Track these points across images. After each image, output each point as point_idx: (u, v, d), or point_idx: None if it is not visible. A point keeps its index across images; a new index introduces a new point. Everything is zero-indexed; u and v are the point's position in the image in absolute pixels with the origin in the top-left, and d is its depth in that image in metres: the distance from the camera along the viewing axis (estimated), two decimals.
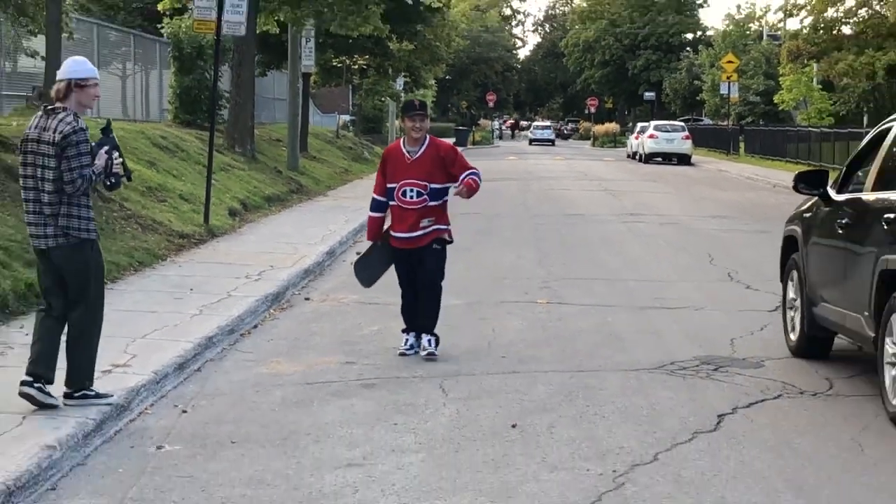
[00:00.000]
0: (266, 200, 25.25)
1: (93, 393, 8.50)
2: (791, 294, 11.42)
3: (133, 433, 8.29)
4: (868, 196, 9.87)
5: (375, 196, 11.01)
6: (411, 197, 10.60)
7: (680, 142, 56.97)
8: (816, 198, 11.00)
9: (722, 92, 67.24)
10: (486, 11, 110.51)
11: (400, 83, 57.51)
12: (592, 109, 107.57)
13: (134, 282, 14.26)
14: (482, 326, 12.41)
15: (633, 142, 63.88)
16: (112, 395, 8.63)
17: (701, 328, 12.42)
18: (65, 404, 8.38)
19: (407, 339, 10.92)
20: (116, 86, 33.95)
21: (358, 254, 10.81)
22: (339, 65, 48.31)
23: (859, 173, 10.86)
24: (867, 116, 51.30)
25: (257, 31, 31.08)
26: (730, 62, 64.50)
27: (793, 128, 58.18)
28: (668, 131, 58.17)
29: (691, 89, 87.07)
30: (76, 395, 8.46)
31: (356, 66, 49.84)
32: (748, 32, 79.41)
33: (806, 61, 42.97)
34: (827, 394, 9.54)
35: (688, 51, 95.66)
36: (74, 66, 8.64)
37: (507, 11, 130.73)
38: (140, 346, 10.47)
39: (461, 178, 10.72)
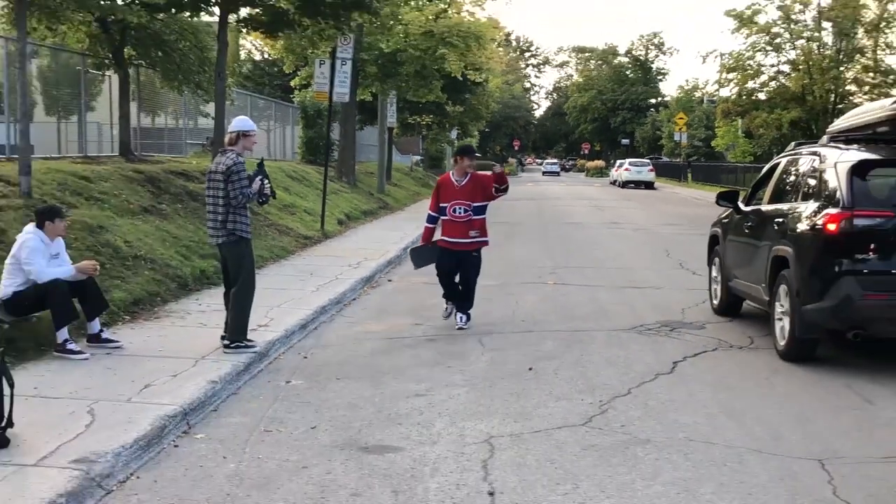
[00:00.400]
0: (363, 213, 25.19)
1: (244, 344, 8.46)
2: (714, 274, 11.58)
3: (270, 372, 8.23)
4: (765, 207, 10.00)
5: (430, 212, 10.56)
6: (459, 213, 10.20)
7: (646, 173, 56.21)
8: (731, 209, 11.14)
9: (676, 139, 66.46)
10: (513, 84, 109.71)
11: (454, 134, 57.26)
12: (586, 151, 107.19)
13: (272, 269, 14.23)
14: (509, 299, 12.21)
15: (613, 173, 63.22)
16: (256, 346, 8.59)
17: (661, 301, 12.16)
18: (224, 351, 8.36)
19: (447, 307, 10.65)
20: (263, 136, 34.01)
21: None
22: (412, 122, 48.18)
23: (759, 192, 10.87)
24: (775, 156, 50.72)
25: (357, 99, 31.10)
26: (681, 118, 63.71)
27: (724, 163, 57.38)
28: (638, 165, 57.42)
29: (654, 137, 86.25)
30: (232, 346, 8.42)
31: (424, 123, 49.66)
32: (693, 98, 78.31)
33: (734, 118, 42.35)
34: (750, 347, 9.28)
35: (651, 111, 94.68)
36: (243, 122, 8.67)
37: (528, 85, 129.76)
38: (276, 312, 10.41)
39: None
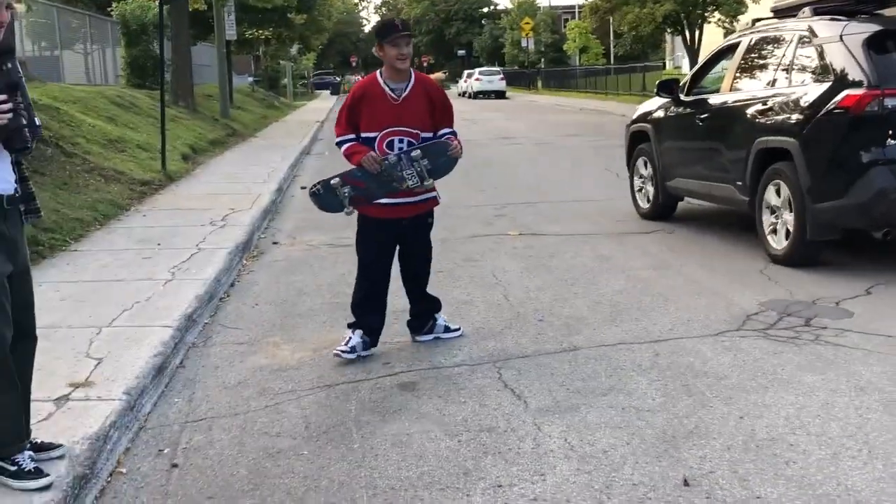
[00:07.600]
0: (210, 144, 19.84)
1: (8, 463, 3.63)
2: (642, 174, 9.98)
3: None
4: (727, 96, 8.30)
5: (340, 138, 5.48)
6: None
7: (498, 82, 52.96)
8: (664, 100, 9.49)
9: (523, 45, 62.32)
10: None
11: (295, 49, 51.38)
12: (425, 64, 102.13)
13: (100, 239, 9.16)
14: (479, 272, 7.65)
15: (462, 84, 59.19)
16: (59, 452, 3.83)
17: (702, 256, 7.96)
18: None
19: (354, 340, 5.50)
20: (80, 59, 27.79)
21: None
22: (250, 37, 42.02)
23: (703, 80, 9.18)
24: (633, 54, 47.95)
25: (189, 10, 25.34)
26: (527, 23, 59.77)
27: (576, 67, 54.19)
28: (489, 75, 54.07)
29: (494, 46, 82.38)
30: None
31: (262, 37, 43.54)
32: (534, 2, 74.17)
33: (603, 15, 38.53)
34: None
35: (486, 20, 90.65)
36: None
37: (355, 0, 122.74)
38: (107, 340, 5.57)
39: (445, 134, 5.46)
